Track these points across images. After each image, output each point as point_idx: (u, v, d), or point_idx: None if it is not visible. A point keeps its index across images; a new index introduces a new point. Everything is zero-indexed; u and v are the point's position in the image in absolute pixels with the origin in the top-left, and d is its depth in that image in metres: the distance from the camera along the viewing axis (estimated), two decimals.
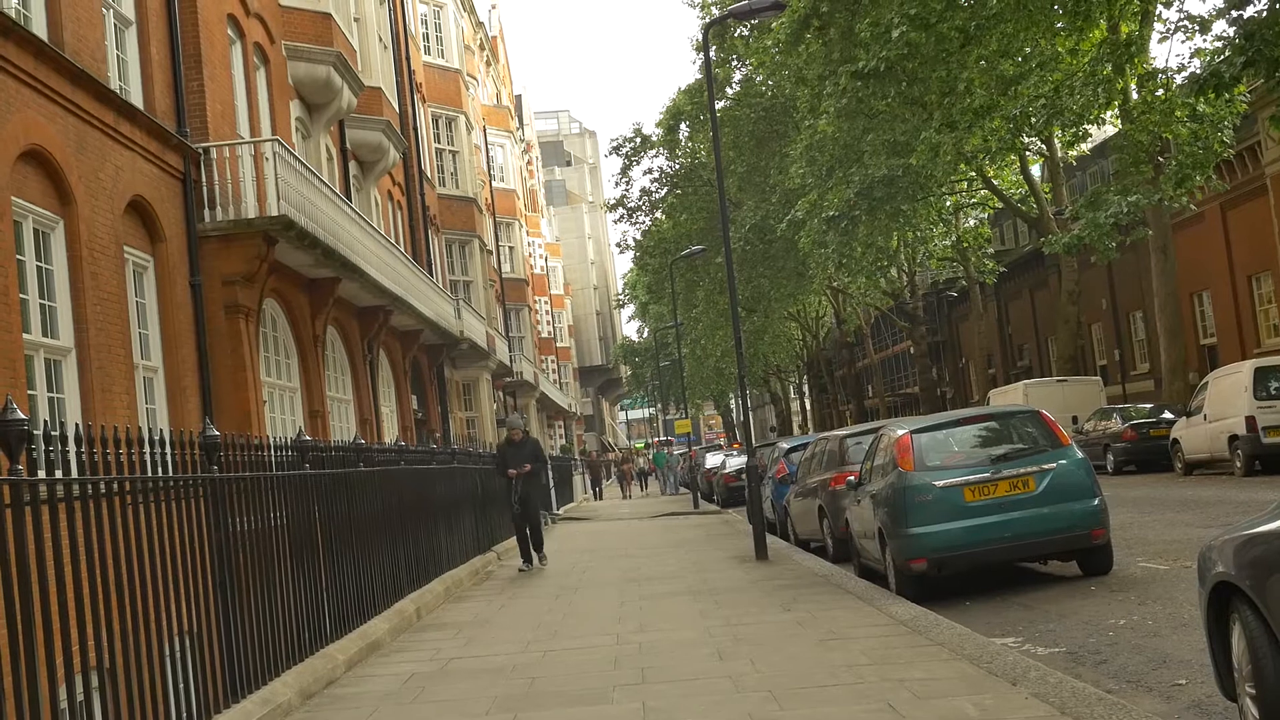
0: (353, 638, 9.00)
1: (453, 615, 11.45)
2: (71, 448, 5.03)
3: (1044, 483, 10.00)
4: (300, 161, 16.62)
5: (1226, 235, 30.04)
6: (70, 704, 4.93)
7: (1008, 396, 30.49)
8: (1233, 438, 19.33)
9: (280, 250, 15.84)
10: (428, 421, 28.82)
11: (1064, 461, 10.19)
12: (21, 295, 10.45)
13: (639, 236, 50.16)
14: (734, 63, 41.35)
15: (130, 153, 13.16)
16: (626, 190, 49.30)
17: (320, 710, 7.19)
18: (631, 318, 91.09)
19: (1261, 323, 29.38)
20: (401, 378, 25.79)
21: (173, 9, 14.97)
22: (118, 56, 13.81)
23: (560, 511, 32.58)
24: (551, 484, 30.74)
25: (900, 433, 10.81)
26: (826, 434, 18.39)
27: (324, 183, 17.84)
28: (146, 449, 5.83)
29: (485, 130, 45.70)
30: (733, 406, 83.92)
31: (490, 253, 43.34)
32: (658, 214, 49.19)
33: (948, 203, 38.21)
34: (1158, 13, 24.78)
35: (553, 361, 67.15)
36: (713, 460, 37.86)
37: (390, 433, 23.78)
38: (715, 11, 37.46)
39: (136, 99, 13.95)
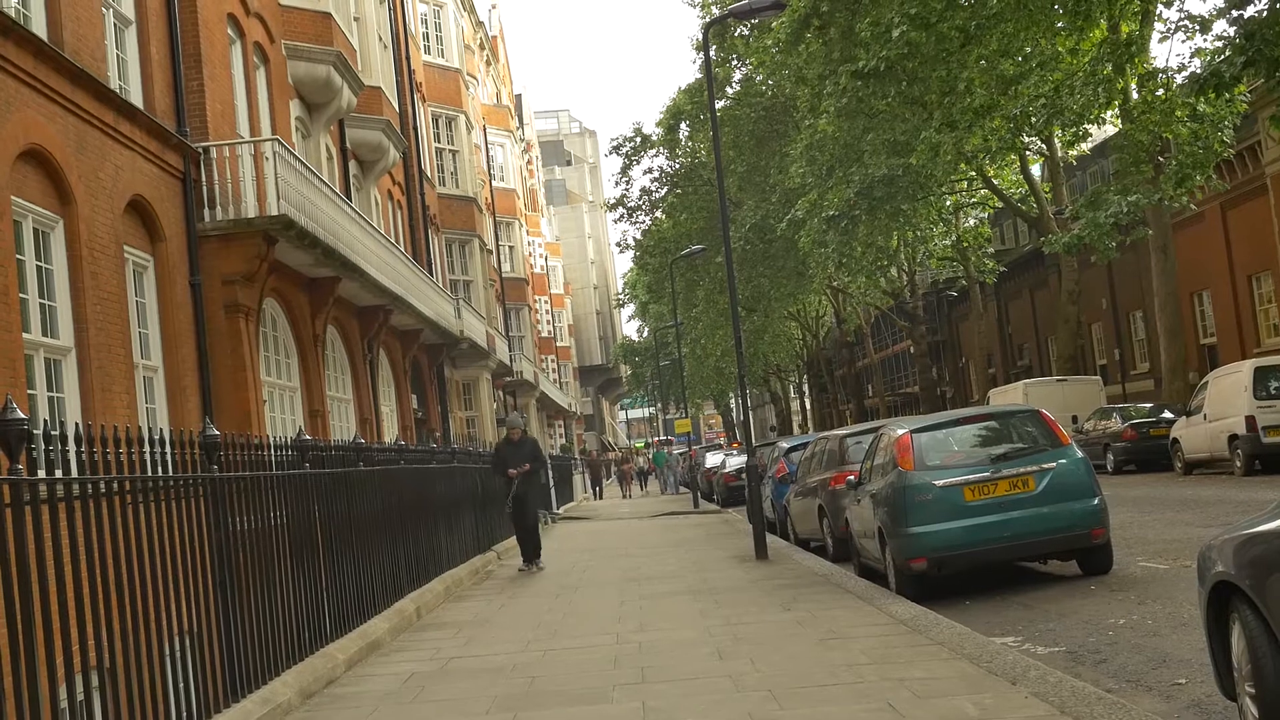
0: (353, 637, 9.01)
1: (453, 615, 11.45)
2: (71, 447, 5.03)
3: (1044, 482, 10.00)
4: (300, 161, 16.62)
5: (1226, 235, 30.04)
6: (70, 703, 4.93)
7: (1008, 396, 30.49)
8: (1232, 437, 19.33)
9: (280, 250, 15.84)
10: (428, 421, 28.83)
11: (1064, 461, 10.19)
12: (21, 295, 10.45)
13: (639, 236, 50.18)
14: (734, 62, 41.34)
15: (130, 152, 13.16)
16: (626, 190, 49.36)
17: (320, 710, 7.19)
18: (631, 317, 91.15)
19: (1261, 322, 29.38)
20: (401, 377, 25.79)
21: (172, 8, 14.96)
22: (117, 56, 13.81)
23: (560, 511, 32.59)
24: (551, 484, 30.75)
25: (900, 432, 10.81)
26: (826, 433, 18.39)
27: (324, 182, 17.84)
28: (146, 448, 5.83)
29: (485, 130, 45.70)
30: (733, 406, 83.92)
31: (490, 252, 43.34)
32: (658, 213, 49.19)
33: (948, 202, 38.21)
34: (1158, 12, 24.78)
35: (553, 361, 67.15)
36: (713, 460, 37.86)
37: (390, 432, 23.78)
38: (715, 11, 37.46)
39: (136, 98, 13.95)
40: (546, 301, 67.55)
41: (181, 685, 6.01)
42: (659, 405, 73.65)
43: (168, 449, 6.09)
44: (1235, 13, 17.46)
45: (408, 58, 30.41)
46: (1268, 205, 26.80)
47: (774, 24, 28.34)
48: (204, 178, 15.05)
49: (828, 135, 29.51)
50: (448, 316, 28.27)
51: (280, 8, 19.62)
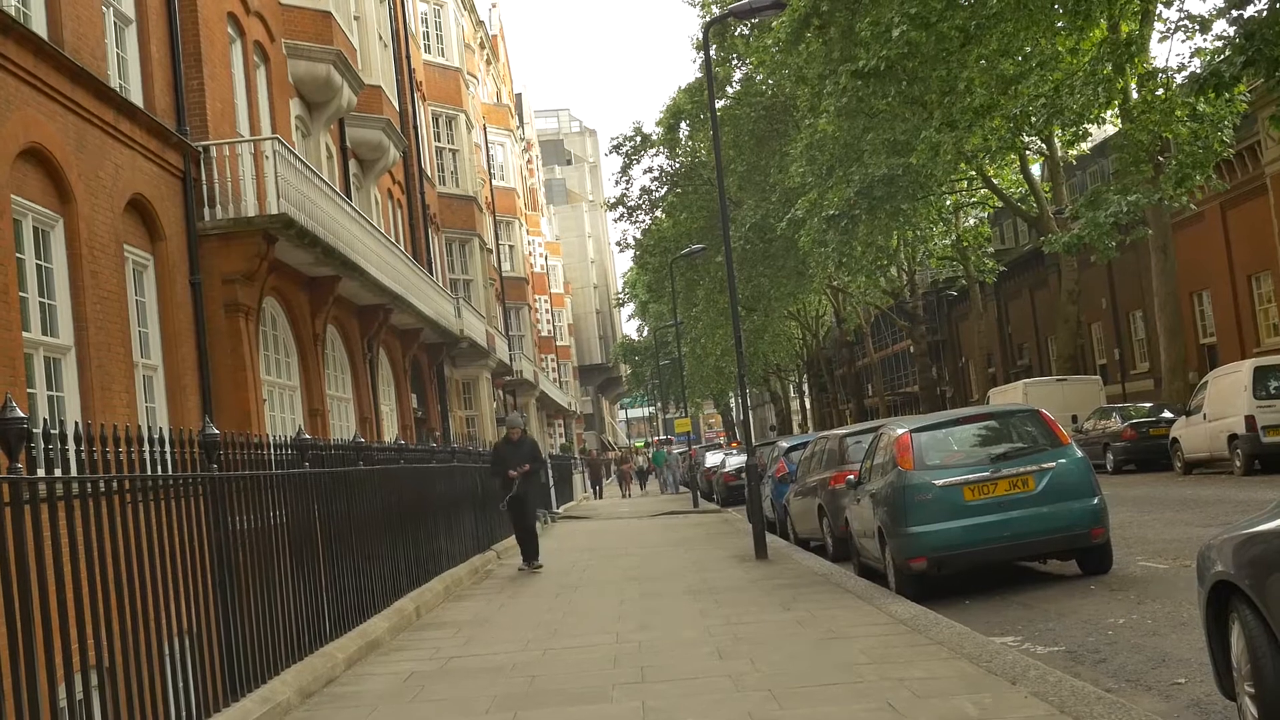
0: (352, 636, 9.00)
1: (452, 614, 11.45)
2: (71, 446, 5.03)
3: (1043, 482, 9.99)
4: (300, 160, 16.62)
5: (1226, 235, 30.04)
6: (70, 703, 4.93)
7: (1007, 395, 30.49)
8: (1232, 437, 19.33)
9: (280, 249, 15.84)
10: (427, 420, 28.82)
11: (1063, 461, 10.19)
12: (21, 293, 10.45)
13: (639, 235, 50.19)
14: (734, 62, 41.35)
15: (130, 151, 13.16)
16: (626, 189, 49.36)
17: (320, 709, 7.19)
18: (631, 316, 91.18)
19: (1261, 322, 29.38)
20: (401, 376, 25.79)
21: (173, 7, 14.96)
22: (117, 55, 13.81)
23: (560, 510, 32.59)
24: (551, 483, 30.75)
25: (900, 432, 10.81)
26: (826, 433, 18.39)
27: (324, 181, 17.84)
28: (146, 447, 5.83)
29: (485, 129, 45.69)
30: (732, 405, 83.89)
31: (490, 251, 43.33)
32: (658, 213, 49.19)
33: (948, 202, 38.21)
34: (1158, 12, 24.78)
35: (552, 360, 67.15)
36: (712, 459, 37.86)
37: (390, 431, 23.78)
38: (715, 10, 37.45)
39: (136, 97, 13.95)
40: (546, 301, 67.55)
41: (181, 684, 6.01)
42: (659, 405, 73.66)
43: (167, 448, 6.09)
44: (1235, 12, 17.46)
45: (408, 57, 30.41)
46: (1267, 205, 26.80)
47: (774, 23, 28.35)
48: (204, 176, 15.05)
49: (828, 135, 29.51)
50: (448, 316, 28.27)
51: (280, 6, 19.62)
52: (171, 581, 6.02)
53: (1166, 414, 23.68)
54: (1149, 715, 5.17)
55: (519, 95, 68.13)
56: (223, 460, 6.90)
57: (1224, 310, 30.67)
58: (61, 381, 11.23)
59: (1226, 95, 18.74)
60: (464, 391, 35.67)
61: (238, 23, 17.43)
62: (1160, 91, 23.56)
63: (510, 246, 50.51)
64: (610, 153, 49.04)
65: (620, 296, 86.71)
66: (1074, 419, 26.78)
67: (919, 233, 38.15)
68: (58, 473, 4.93)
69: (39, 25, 11.55)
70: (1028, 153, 33.27)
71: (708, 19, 32.74)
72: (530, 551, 15.46)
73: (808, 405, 78.05)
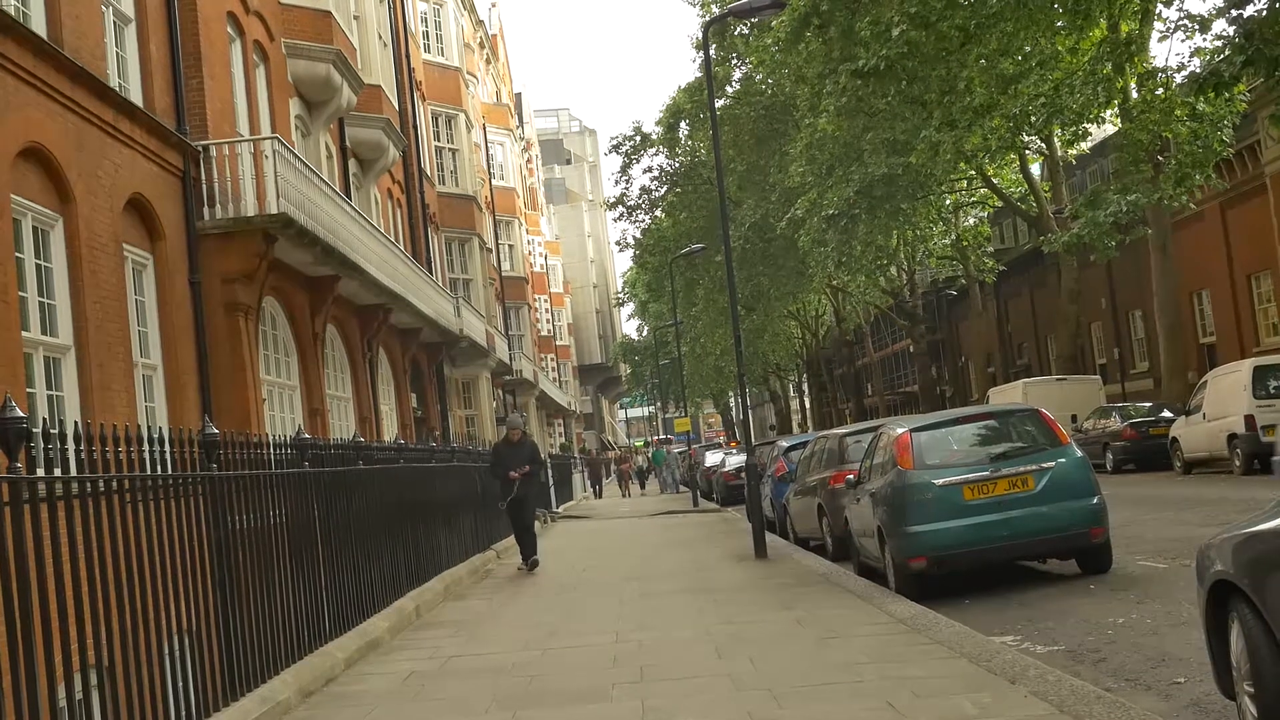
0: (352, 636, 9.00)
1: (452, 613, 11.45)
2: (70, 446, 5.03)
3: (1043, 481, 9.99)
4: (300, 159, 16.62)
5: (1226, 234, 30.05)
6: (69, 702, 4.93)
7: (1007, 395, 30.49)
8: (1232, 436, 19.33)
9: (280, 248, 15.84)
10: (427, 420, 28.82)
11: (1063, 460, 10.19)
12: (20, 293, 10.45)
13: (639, 235, 50.15)
14: (734, 61, 41.36)
15: (130, 150, 13.16)
16: (626, 188, 49.33)
17: (319, 708, 7.19)
18: (631, 316, 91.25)
19: (1261, 322, 29.38)
20: (401, 376, 25.79)
21: (172, 7, 14.95)
22: (117, 54, 13.81)
23: (560, 510, 32.59)
24: (550, 483, 30.75)
25: (899, 431, 10.81)
26: (826, 432, 18.39)
27: (323, 181, 17.84)
28: (146, 447, 5.83)
29: (485, 128, 45.68)
30: (732, 405, 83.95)
31: (490, 251, 43.33)
32: (657, 212, 49.18)
33: (947, 201, 38.22)
34: (1158, 12, 24.78)
35: (552, 360, 67.14)
36: (712, 458, 37.86)
37: (390, 431, 23.78)
38: (715, 10, 37.44)
39: (136, 97, 13.94)
40: (546, 300, 67.54)
41: (180, 684, 6.01)
42: (658, 404, 73.66)
43: (167, 447, 6.09)
44: (1234, 12, 17.43)
45: (407, 56, 30.41)
46: (1267, 204, 26.79)
47: (774, 23, 28.34)
48: (203, 176, 15.04)
49: (827, 134, 29.51)
50: (447, 315, 28.27)
51: (280, 6, 19.61)
52: (171, 581, 6.02)
53: (1166, 413, 23.68)
54: (1148, 714, 5.17)
55: (519, 95, 68.13)
56: (222, 460, 6.90)
57: (1223, 310, 30.67)
58: (61, 381, 11.23)
59: (1226, 95, 18.74)
60: (464, 391, 35.67)
61: (237, 22, 17.43)
62: (1160, 91, 23.56)
63: (510, 246, 50.51)
64: (610, 152, 49.07)
65: (620, 296, 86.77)
66: (1073, 418, 26.78)
67: (919, 232, 38.18)
68: (57, 472, 4.93)
69: (38, 25, 11.54)
70: (1027, 152, 33.28)
71: (707, 18, 32.72)
72: (528, 552, 15.45)
73: (807, 405, 78.07)
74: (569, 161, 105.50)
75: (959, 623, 8.06)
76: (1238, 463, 19.31)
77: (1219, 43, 19.57)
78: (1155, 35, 26.03)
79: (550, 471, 30.64)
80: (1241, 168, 28.24)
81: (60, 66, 11.46)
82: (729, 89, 41.67)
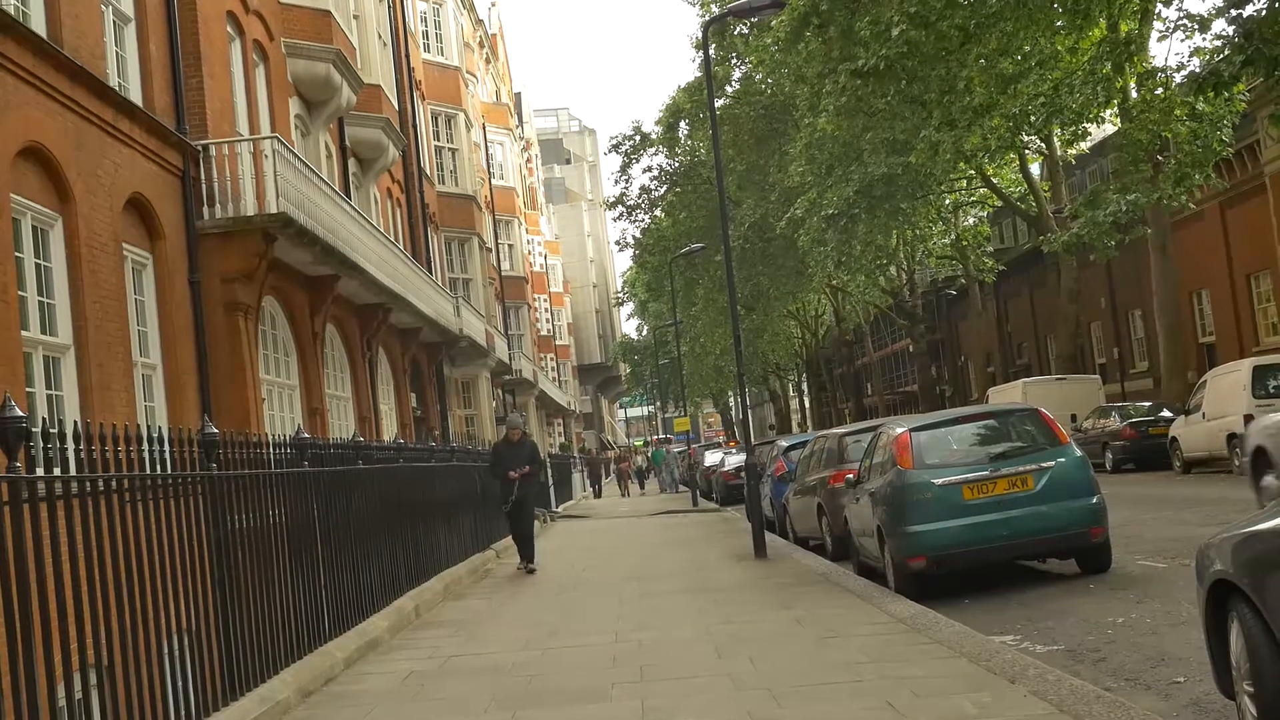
0: (351, 635, 9.00)
1: (452, 613, 11.46)
2: (70, 445, 5.03)
3: (1043, 481, 9.99)
4: (299, 159, 16.61)
5: (1225, 234, 30.05)
6: (69, 702, 4.93)
7: (1006, 395, 30.49)
8: (1231, 436, 19.30)
9: (279, 248, 15.83)
10: (427, 419, 28.82)
11: (1063, 460, 10.19)
12: (20, 292, 10.44)
13: (638, 234, 50.14)
14: (734, 61, 41.35)
15: (129, 150, 13.15)
16: (626, 188, 49.31)
17: (319, 708, 7.18)
18: (630, 316, 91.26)
19: (1260, 321, 29.38)
20: (400, 375, 25.79)
21: (172, 6, 14.95)
22: (117, 54, 13.80)
23: (559, 509, 32.59)
24: (550, 483, 30.75)
25: (899, 431, 10.81)
26: (825, 432, 18.39)
27: (323, 180, 17.83)
28: (145, 446, 5.83)
29: (485, 128, 45.68)
30: (731, 405, 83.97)
31: (489, 250, 43.32)
32: (657, 212, 49.17)
33: (947, 201, 38.22)
34: (1157, 11, 24.77)
35: (552, 359, 67.14)
36: (711, 458, 37.87)
37: (389, 430, 23.77)
38: (715, 9, 37.44)
39: (135, 96, 13.94)
40: (546, 300, 67.54)
41: (180, 683, 6.01)
42: (658, 404, 73.68)
43: (166, 447, 6.09)
44: (1234, 12, 17.43)
45: (407, 56, 30.40)
46: (1267, 204, 26.80)
47: (773, 22, 28.34)
48: (203, 175, 15.04)
49: (827, 134, 29.50)
50: (447, 315, 28.26)
51: (280, 5, 19.61)
52: (170, 580, 6.02)
53: (1166, 413, 23.68)
54: (1148, 714, 5.17)
55: (518, 94, 68.12)
56: (222, 459, 6.90)
57: (1223, 309, 30.67)
58: (60, 381, 11.23)
59: (1225, 94, 18.72)
60: (463, 391, 35.67)
61: (237, 21, 17.43)
62: (1159, 91, 23.55)
63: (509, 246, 50.51)
64: (609, 152, 49.04)
65: (619, 296, 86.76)
66: (1073, 418, 26.79)
67: (918, 232, 38.19)
68: (57, 472, 4.93)
69: (38, 24, 11.54)
70: (1027, 152, 33.28)
71: (707, 18, 32.72)
72: (528, 553, 15.40)
73: (807, 404, 78.09)
74: (569, 161, 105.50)
75: (958, 622, 8.06)
76: (1237, 462, 19.29)
77: (1218, 42, 19.56)
78: (1155, 35, 26.06)
79: (550, 471, 30.64)
80: (1241, 167, 28.24)
81: (60, 66, 11.46)
82: (729, 89, 41.66)
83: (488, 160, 46.37)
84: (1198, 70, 18.75)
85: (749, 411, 20.71)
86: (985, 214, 43.26)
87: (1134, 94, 24.81)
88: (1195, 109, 22.77)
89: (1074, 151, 32.77)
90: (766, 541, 14.77)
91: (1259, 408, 18.76)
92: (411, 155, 30.17)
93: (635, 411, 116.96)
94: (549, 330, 67.72)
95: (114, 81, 13.30)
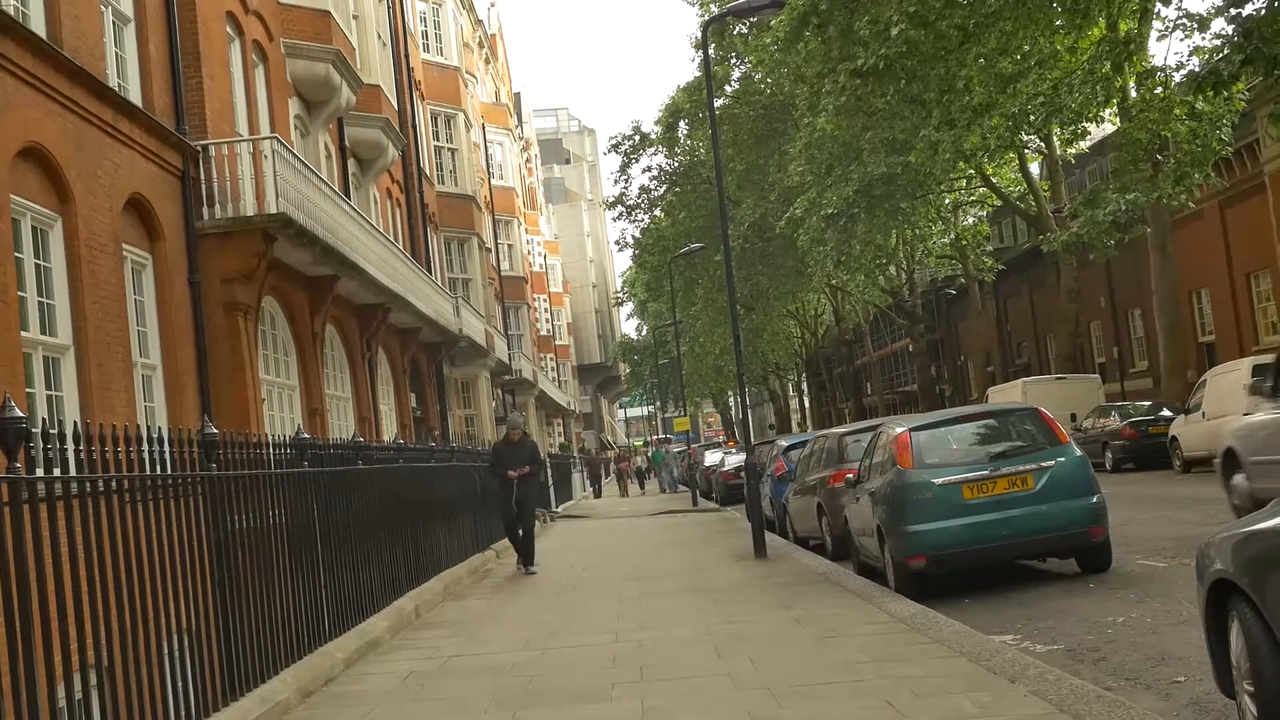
0: (351, 636, 9.00)
1: (452, 613, 11.45)
2: (70, 445, 5.02)
3: (1042, 480, 9.99)
4: (299, 159, 16.61)
5: (1225, 233, 30.05)
6: (69, 702, 4.93)
7: (1006, 394, 30.49)
8: None
9: (279, 248, 15.84)
10: (426, 419, 28.82)
11: (1062, 459, 10.18)
12: (20, 293, 10.45)
13: (638, 234, 50.13)
14: (733, 60, 41.33)
15: (129, 150, 13.15)
16: (625, 188, 49.28)
17: (319, 708, 7.18)
18: (630, 315, 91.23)
19: (1260, 320, 29.38)
20: (400, 376, 25.79)
21: (171, 7, 14.95)
22: (116, 54, 13.80)
23: (559, 509, 32.59)
24: (550, 483, 30.74)
25: (899, 430, 10.81)
26: (825, 432, 18.39)
27: (323, 180, 17.83)
28: (145, 447, 5.83)
29: (484, 128, 45.68)
30: (731, 404, 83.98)
31: (489, 250, 43.32)
32: (657, 212, 49.16)
33: (946, 200, 38.23)
34: (1156, 10, 24.77)
35: (551, 359, 67.15)
36: (711, 458, 37.87)
37: (389, 430, 23.77)
38: (714, 9, 37.43)
39: (135, 97, 13.94)
40: (545, 300, 67.54)
41: (180, 684, 6.01)
42: (658, 404, 73.67)
43: (166, 447, 6.09)
44: (1233, 11, 17.44)
45: (407, 56, 30.40)
46: (1266, 203, 26.80)
47: (773, 22, 28.34)
48: (203, 176, 15.05)
49: (826, 134, 29.50)
50: (446, 315, 28.26)
51: (279, 6, 19.61)
52: (170, 581, 6.02)
53: (1165, 412, 23.68)
54: (1148, 713, 5.17)
55: (518, 94, 68.11)
56: (222, 460, 6.90)
57: (1223, 309, 30.67)
58: (60, 381, 11.23)
59: (1225, 93, 18.71)
60: (463, 391, 35.67)
61: (236, 22, 17.43)
62: (1159, 90, 23.55)
63: (509, 246, 50.51)
64: (609, 152, 49.02)
65: (619, 295, 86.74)
66: (1073, 417, 26.79)
67: (918, 231, 38.19)
68: (57, 472, 4.93)
69: (38, 25, 11.54)
70: (1026, 151, 33.28)
71: (706, 18, 32.73)
72: (527, 555, 15.30)
73: (806, 404, 78.10)
74: (568, 161, 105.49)
75: (958, 622, 8.06)
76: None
77: (1218, 41, 19.58)
78: (1154, 34, 26.09)
79: (550, 471, 30.64)
80: (1240, 166, 28.24)
81: (59, 66, 11.46)
82: (728, 88, 41.65)
83: (487, 160, 46.37)
84: (1197, 69, 18.75)
85: (749, 411, 20.71)
86: (985, 213, 43.26)
87: (1133, 93, 24.81)
88: (1195, 108, 22.77)
89: (1073, 151, 32.78)
90: (766, 541, 14.77)
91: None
92: (411, 155, 30.18)
93: (635, 411, 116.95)
94: (549, 330, 67.73)
95: (114, 82, 13.30)
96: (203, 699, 6.19)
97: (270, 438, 8.06)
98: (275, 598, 7.49)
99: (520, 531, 15.20)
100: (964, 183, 37.59)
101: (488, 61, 51.26)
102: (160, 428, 6.49)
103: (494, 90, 52.61)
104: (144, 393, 13.18)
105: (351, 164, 24.11)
